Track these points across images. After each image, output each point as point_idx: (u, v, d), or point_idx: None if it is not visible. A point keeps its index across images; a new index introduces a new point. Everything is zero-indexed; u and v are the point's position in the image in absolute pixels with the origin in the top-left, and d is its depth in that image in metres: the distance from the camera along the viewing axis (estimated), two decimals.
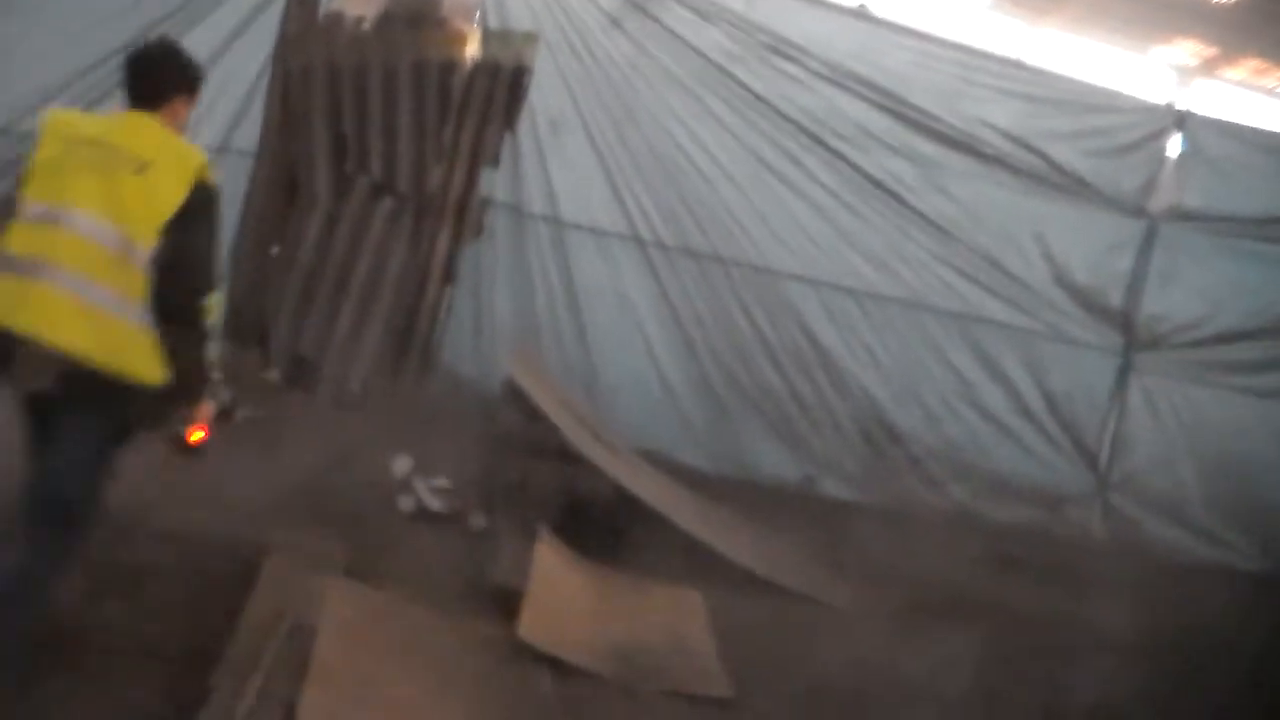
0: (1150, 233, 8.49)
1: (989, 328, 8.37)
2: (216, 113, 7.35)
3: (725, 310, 7.94)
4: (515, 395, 6.43)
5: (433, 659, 4.55)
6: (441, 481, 6.31)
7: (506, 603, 4.95)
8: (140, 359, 3.45)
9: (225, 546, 5.06)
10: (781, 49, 7.89)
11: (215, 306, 3.69)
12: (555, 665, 4.60)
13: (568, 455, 6.14)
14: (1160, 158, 8.50)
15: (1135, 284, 8.53)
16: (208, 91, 7.06)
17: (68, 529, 3.55)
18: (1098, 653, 6.11)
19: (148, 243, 3.43)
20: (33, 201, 3.46)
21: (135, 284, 3.41)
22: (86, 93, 7.20)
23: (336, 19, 7.40)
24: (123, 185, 3.41)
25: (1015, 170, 8.25)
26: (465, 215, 7.52)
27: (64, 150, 3.50)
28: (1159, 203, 8.48)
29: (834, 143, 8.00)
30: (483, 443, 6.70)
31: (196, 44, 7.09)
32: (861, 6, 8.42)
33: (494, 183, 7.62)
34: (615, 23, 7.69)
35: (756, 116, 7.91)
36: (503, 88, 7.47)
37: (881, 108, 8.07)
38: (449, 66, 7.44)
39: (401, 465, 6.37)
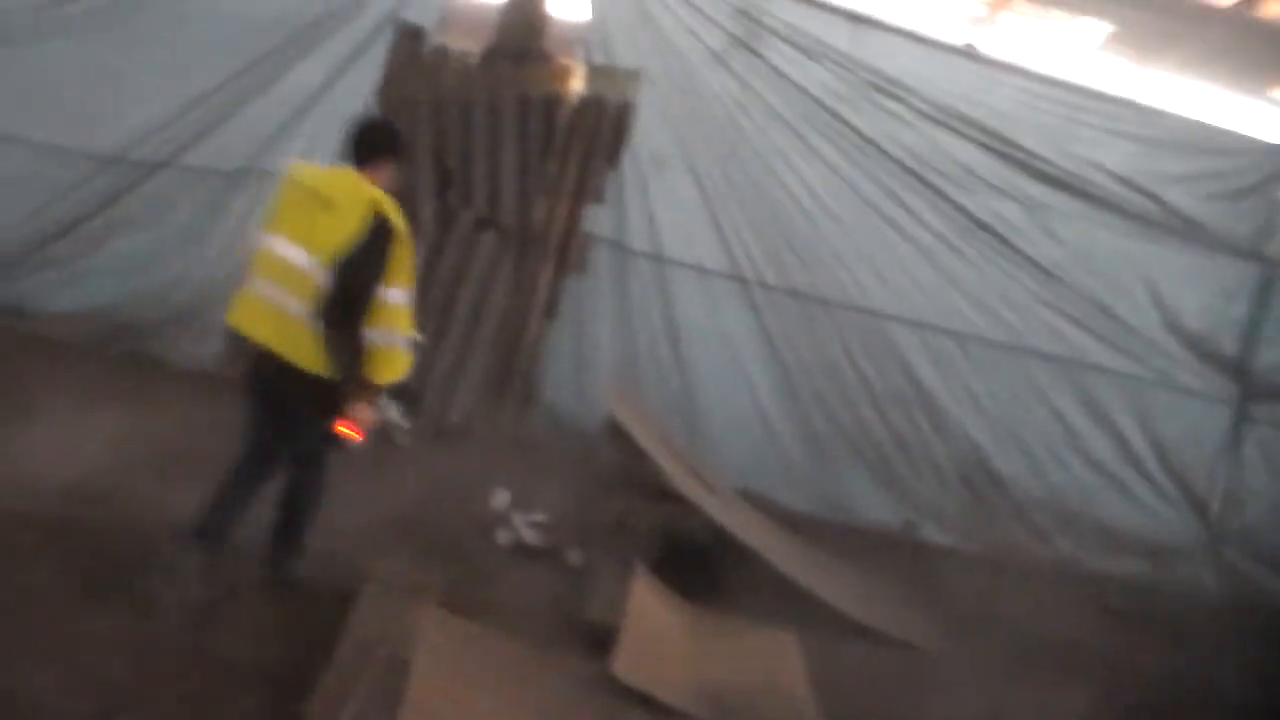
0: (1267, 279, 8.26)
1: (1095, 374, 8.17)
2: (321, 145, 7.47)
3: (827, 351, 7.85)
4: (615, 432, 6.43)
5: (527, 693, 4.52)
6: (539, 516, 6.30)
7: (601, 639, 4.92)
8: (315, 354, 4.34)
9: (324, 573, 5.10)
10: (887, 88, 7.82)
11: (402, 320, 4.52)
12: (648, 703, 4.54)
13: (666, 493, 6.12)
14: (1278, 201, 8.27)
15: (1251, 331, 8.29)
16: (312, 124, 7.24)
17: (306, 471, 4.78)
18: (1210, 711, 5.92)
19: (326, 264, 4.29)
20: (265, 234, 4.51)
21: (315, 295, 4.30)
22: (196, 123, 7.40)
23: (442, 53, 7.53)
24: (316, 220, 4.34)
25: (1125, 213, 8.06)
26: (568, 250, 7.59)
27: (287, 194, 4.52)
28: (1277, 248, 8.24)
29: (939, 183, 7.90)
30: (581, 478, 6.71)
31: (303, 77, 7.35)
32: (968, 45, 8.32)
33: (597, 218, 7.68)
34: (720, 60, 7.69)
35: (861, 156, 7.84)
36: (606, 124, 7.55)
37: (988, 148, 7.95)
38: (553, 102, 7.54)
39: (500, 498, 6.39)
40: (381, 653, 4.35)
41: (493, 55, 7.58)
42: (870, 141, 7.84)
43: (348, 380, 4.38)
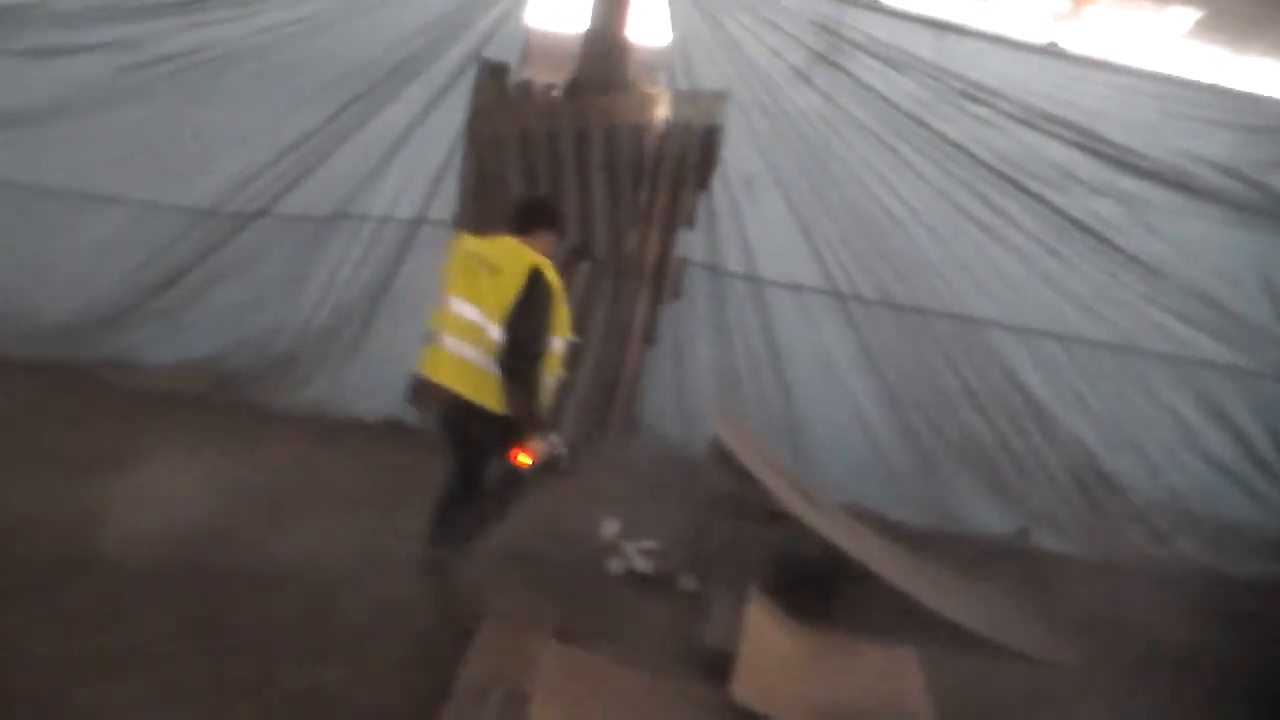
0: None
1: (1209, 370, 7.93)
2: (411, 187, 7.58)
3: (928, 361, 7.76)
4: (721, 455, 6.38)
5: None
6: (649, 543, 6.29)
7: (719, 664, 4.89)
8: (492, 396, 4.92)
9: (439, 610, 5.13)
10: (973, 93, 7.73)
11: (553, 363, 5.10)
12: None
13: (776, 514, 6.05)
14: None
15: None
16: (401, 167, 7.37)
17: (479, 500, 5.21)
18: None
19: (496, 320, 4.91)
20: (443, 296, 5.11)
21: (490, 346, 4.91)
22: (287, 172, 7.58)
23: (526, 88, 7.57)
24: (483, 281, 4.97)
25: (1229, 203, 7.84)
26: (663, 276, 7.59)
27: (458, 261, 5.15)
28: None
29: (1033, 185, 7.77)
30: (689, 503, 6.67)
31: (389, 121, 7.46)
32: (1051, 43, 8.19)
33: (690, 243, 7.70)
34: (804, 76, 7.65)
35: (952, 163, 7.76)
36: (694, 148, 7.55)
37: (1080, 146, 7.80)
38: (640, 130, 7.54)
39: (609, 527, 6.39)
40: (500, 688, 4.36)
41: (577, 86, 7.60)
42: (960, 148, 7.76)
43: (524, 416, 4.96)
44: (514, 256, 5.04)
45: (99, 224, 7.62)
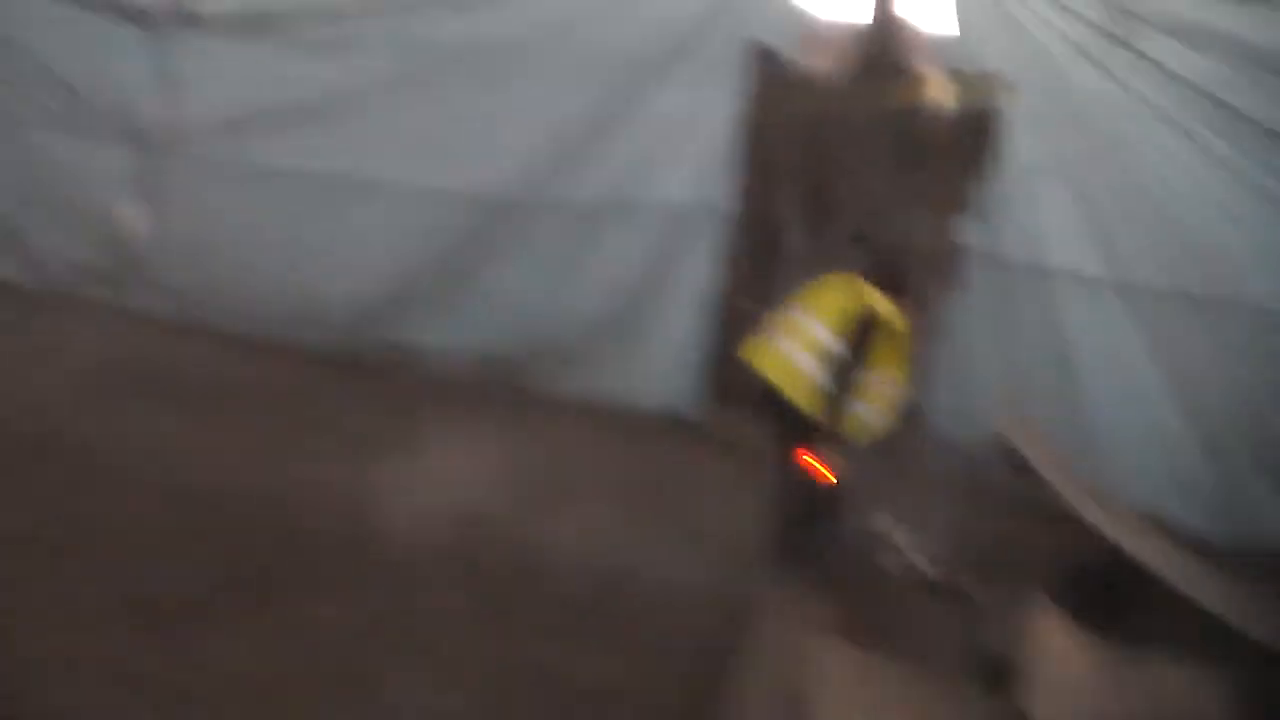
0: None
1: None
2: (689, 172, 7.62)
3: (1232, 359, 7.23)
4: (1006, 453, 6.20)
5: None
6: (927, 541, 6.15)
7: (1000, 671, 4.73)
8: (808, 400, 5.39)
9: (712, 600, 5.12)
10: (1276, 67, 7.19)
11: (873, 398, 5.53)
12: None
13: (1063, 516, 5.80)
14: None
15: None
16: (676, 152, 7.54)
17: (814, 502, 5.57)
18: None
19: (830, 340, 5.42)
20: (797, 310, 5.63)
21: (821, 356, 5.41)
22: (562, 158, 7.75)
23: (801, 73, 7.51)
24: (823, 303, 5.56)
25: None
26: (942, 265, 7.37)
27: (822, 287, 5.67)
28: None
29: None
30: (971, 502, 6.48)
31: (662, 106, 7.53)
32: None
33: (972, 231, 7.47)
34: (1093, 58, 7.30)
35: (1253, 145, 7.20)
36: (973, 133, 7.32)
37: None
38: (916, 114, 7.38)
39: (885, 523, 6.27)
40: (778, 686, 4.32)
41: (854, 72, 7.49)
42: (1261, 127, 7.21)
43: (823, 428, 5.37)
44: (848, 291, 5.58)
45: (379, 211, 7.93)
